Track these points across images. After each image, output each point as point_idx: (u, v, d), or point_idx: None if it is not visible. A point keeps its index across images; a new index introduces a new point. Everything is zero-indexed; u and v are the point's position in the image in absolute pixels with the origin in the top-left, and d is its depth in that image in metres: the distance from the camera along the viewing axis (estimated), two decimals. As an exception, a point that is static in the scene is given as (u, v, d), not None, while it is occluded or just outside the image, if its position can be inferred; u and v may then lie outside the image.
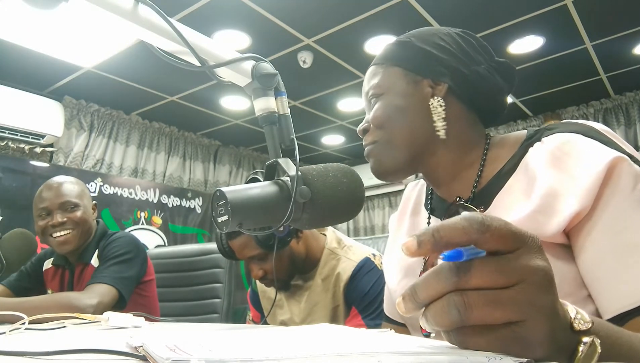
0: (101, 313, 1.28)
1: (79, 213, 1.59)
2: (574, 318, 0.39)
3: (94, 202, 1.73)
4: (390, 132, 0.78)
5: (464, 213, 0.35)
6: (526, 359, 0.35)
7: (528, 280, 0.35)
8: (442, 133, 0.76)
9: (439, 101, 0.76)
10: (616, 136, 0.67)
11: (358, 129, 0.83)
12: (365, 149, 0.82)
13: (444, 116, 0.75)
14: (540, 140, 0.70)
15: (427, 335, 0.73)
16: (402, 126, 0.77)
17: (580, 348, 0.38)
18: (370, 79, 0.82)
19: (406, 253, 0.36)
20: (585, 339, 0.38)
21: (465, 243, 0.35)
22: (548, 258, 0.42)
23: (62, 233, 1.56)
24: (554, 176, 0.64)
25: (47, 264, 1.74)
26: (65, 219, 1.56)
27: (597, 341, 0.38)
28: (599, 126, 0.68)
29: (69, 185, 1.64)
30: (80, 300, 1.34)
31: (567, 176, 0.63)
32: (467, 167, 0.77)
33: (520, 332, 0.35)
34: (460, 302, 0.34)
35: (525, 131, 0.76)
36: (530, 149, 0.70)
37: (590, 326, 0.39)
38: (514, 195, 0.69)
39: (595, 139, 0.64)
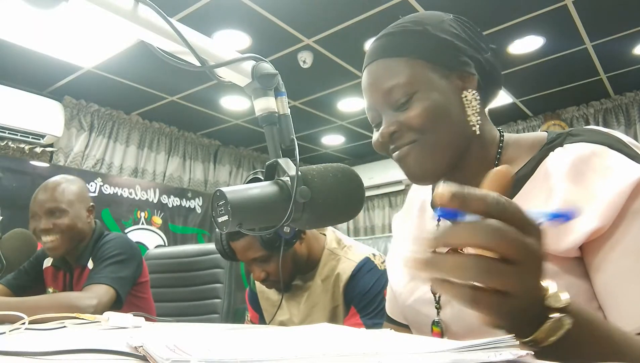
0: (100, 313, 1.29)
1: (65, 220, 1.57)
2: (548, 296, 0.43)
3: (91, 204, 1.70)
4: (433, 134, 0.70)
5: (487, 192, 0.40)
6: (525, 352, 0.36)
7: (529, 262, 0.39)
8: (477, 128, 0.71)
9: (473, 94, 0.71)
10: None
11: (385, 132, 0.72)
12: (400, 150, 0.72)
13: (478, 110, 0.71)
14: (562, 145, 0.67)
15: (441, 336, 0.72)
16: (446, 127, 0.70)
17: (547, 322, 0.42)
18: (391, 75, 0.72)
19: (436, 198, 0.41)
20: (553, 315, 0.42)
21: (482, 215, 0.40)
22: (558, 272, 0.55)
23: (49, 238, 1.56)
24: (575, 191, 0.61)
25: (47, 262, 1.75)
26: (51, 225, 1.56)
27: (567, 320, 0.42)
28: (626, 138, 0.65)
29: (62, 188, 1.61)
30: (81, 300, 1.34)
31: (589, 192, 0.60)
32: (487, 167, 0.73)
33: (504, 302, 0.40)
34: (482, 264, 0.39)
35: (545, 134, 0.73)
36: (551, 154, 0.68)
37: (563, 305, 0.43)
38: (531, 201, 0.66)
39: (623, 153, 0.61)
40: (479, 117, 0.71)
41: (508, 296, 0.40)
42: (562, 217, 0.42)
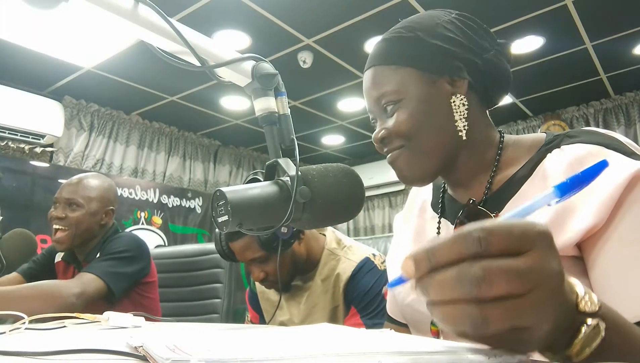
0: (85, 304, 1.28)
1: (77, 214, 1.59)
2: (581, 299, 0.38)
3: (111, 208, 1.70)
4: (419, 140, 0.72)
5: (460, 230, 0.34)
6: (525, 355, 0.35)
7: (538, 287, 0.33)
8: (463, 134, 0.72)
9: (461, 99, 0.72)
10: (638, 148, 0.64)
11: (375, 137, 0.76)
12: (390, 155, 0.75)
13: (466, 115, 0.72)
14: (559, 146, 0.68)
15: (437, 337, 0.72)
16: (431, 133, 0.72)
17: (583, 330, 0.37)
18: (380, 83, 0.75)
19: (404, 275, 0.36)
20: (590, 321, 0.38)
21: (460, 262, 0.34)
22: None
23: (58, 226, 1.58)
24: None
25: (58, 257, 1.76)
26: (64, 215, 1.58)
27: (602, 325, 0.38)
28: (622, 137, 0.65)
29: (86, 183, 1.64)
30: (63, 289, 1.33)
31: (585, 190, 0.60)
32: (486, 168, 0.75)
33: (523, 336, 0.35)
34: (478, 314, 0.33)
35: (543, 135, 0.74)
36: (549, 155, 0.68)
37: (597, 309, 0.38)
38: (529, 202, 0.67)
39: (619, 151, 0.62)
40: (466, 123, 0.72)
41: (527, 330, 0.34)
42: (580, 182, 0.37)
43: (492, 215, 0.70)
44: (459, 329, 0.35)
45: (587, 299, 0.38)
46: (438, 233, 0.81)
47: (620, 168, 0.59)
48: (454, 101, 0.72)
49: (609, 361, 0.38)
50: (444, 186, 0.85)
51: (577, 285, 0.39)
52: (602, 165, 0.38)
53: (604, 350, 0.38)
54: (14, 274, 1.69)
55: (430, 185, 0.90)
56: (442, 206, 0.83)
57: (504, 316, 0.32)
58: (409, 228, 0.89)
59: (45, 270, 1.73)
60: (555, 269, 0.35)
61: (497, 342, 0.36)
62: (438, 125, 0.72)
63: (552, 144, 0.69)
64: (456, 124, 0.72)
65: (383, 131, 0.75)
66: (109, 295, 1.46)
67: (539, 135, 0.74)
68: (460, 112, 0.72)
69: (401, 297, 0.82)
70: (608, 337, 0.38)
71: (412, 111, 0.72)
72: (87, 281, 1.41)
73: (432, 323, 0.74)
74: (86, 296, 1.36)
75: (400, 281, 0.38)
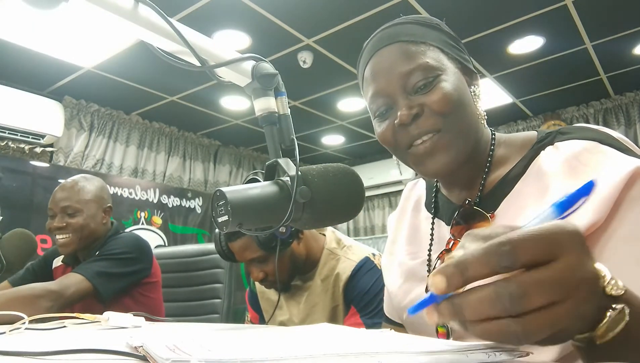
0: (69, 305, 1.27)
1: (79, 219, 1.58)
2: (608, 283, 0.38)
3: (108, 205, 1.69)
4: (456, 118, 0.68)
5: (489, 243, 0.34)
6: (525, 352, 0.36)
7: (574, 292, 0.34)
8: (485, 122, 0.73)
9: (479, 89, 0.74)
10: (632, 144, 0.64)
11: (405, 114, 0.67)
12: (425, 141, 0.68)
13: (481, 106, 0.74)
14: (552, 143, 0.68)
15: (446, 338, 0.71)
16: (467, 112, 0.70)
17: (608, 314, 0.37)
18: (411, 58, 0.69)
19: (435, 291, 0.35)
20: (615, 305, 0.37)
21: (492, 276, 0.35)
22: None
23: (62, 236, 1.57)
24: (570, 186, 0.61)
25: (57, 262, 1.74)
26: (64, 224, 1.57)
27: (627, 310, 0.37)
28: (615, 133, 0.65)
29: (79, 187, 1.63)
30: (39, 293, 1.29)
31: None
32: (479, 167, 0.75)
33: (561, 336, 0.35)
34: (520, 328, 0.33)
35: (534, 133, 0.74)
36: (542, 153, 0.68)
37: (622, 293, 0.38)
38: (523, 200, 0.66)
39: (613, 147, 0.62)
40: (485, 113, 0.73)
41: (564, 331, 0.35)
42: (575, 198, 0.38)
43: (487, 215, 0.70)
44: (501, 342, 0.35)
45: (614, 283, 0.38)
46: (432, 233, 0.81)
47: (619, 165, 0.59)
48: (473, 91, 0.73)
49: (630, 345, 0.38)
50: (437, 186, 0.85)
51: (603, 269, 0.38)
52: (590, 185, 0.39)
53: (626, 334, 0.37)
54: (4, 283, 1.66)
55: (423, 184, 0.90)
56: (436, 206, 0.83)
57: (544, 325, 0.33)
58: (404, 227, 0.89)
59: (38, 278, 1.70)
60: (590, 271, 0.35)
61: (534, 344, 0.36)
62: (471, 107, 0.71)
63: (545, 141, 0.69)
64: (478, 113, 0.73)
65: (416, 107, 0.68)
66: (97, 296, 1.44)
67: (531, 133, 0.75)
68: (479, 100, 0.73)
69: (398, 300, 0.82)
70: (631, 322, 0.38)
71: (452, 87, 0.68)
72: (70, 283, 1.38)
73: (439, 325, 0.73)
74: (65, 299, 1.33)
75: (432, 299, 0.37)
